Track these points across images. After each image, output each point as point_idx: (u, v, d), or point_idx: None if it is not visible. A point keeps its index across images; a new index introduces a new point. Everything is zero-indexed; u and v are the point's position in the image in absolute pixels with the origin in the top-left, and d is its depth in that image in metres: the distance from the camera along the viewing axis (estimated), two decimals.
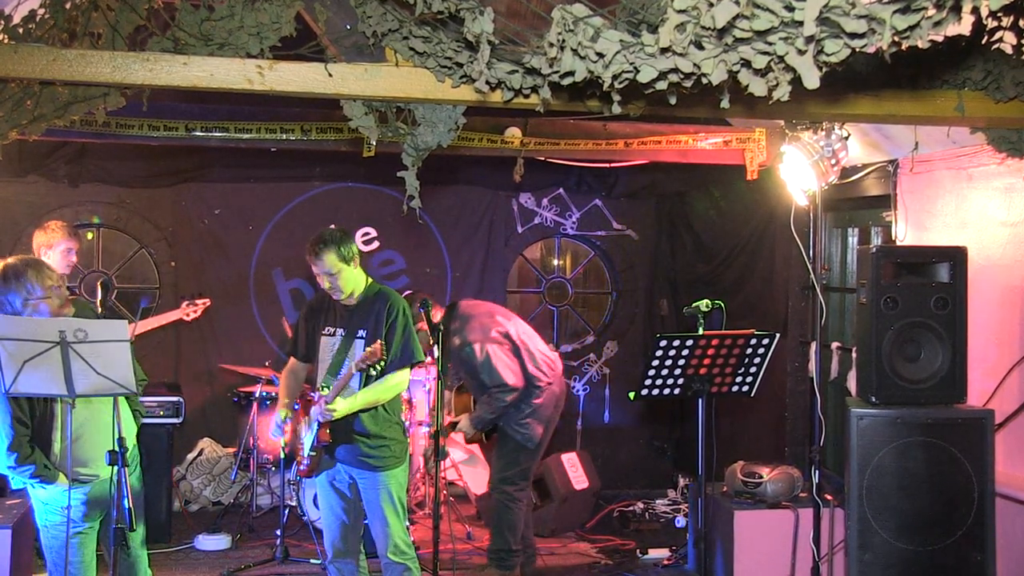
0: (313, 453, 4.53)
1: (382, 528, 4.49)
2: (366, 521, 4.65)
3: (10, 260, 3.97)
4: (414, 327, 4.58)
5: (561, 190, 8.42)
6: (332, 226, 7.85)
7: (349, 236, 4.51)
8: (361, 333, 4.49)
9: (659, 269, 8.68)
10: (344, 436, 4.46)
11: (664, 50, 2.35)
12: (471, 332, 5.59)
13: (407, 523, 4.62)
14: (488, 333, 5.64)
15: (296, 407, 4.80)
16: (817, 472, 5.14)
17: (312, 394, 4.56)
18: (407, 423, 5.85)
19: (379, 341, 4.25)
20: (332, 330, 4.59)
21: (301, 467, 4.65)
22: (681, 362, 4.41)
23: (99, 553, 4.21)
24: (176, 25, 3.60)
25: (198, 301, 6.76)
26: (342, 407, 4.34)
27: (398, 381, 4.47)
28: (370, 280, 4.61)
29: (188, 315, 6.72)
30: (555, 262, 9.05)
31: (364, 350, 4.34)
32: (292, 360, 4.82)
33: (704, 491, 4.57)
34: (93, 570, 4.14)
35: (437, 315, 5.47)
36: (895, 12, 2.04)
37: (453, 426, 6.00)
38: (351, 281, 4.49)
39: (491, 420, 5.74)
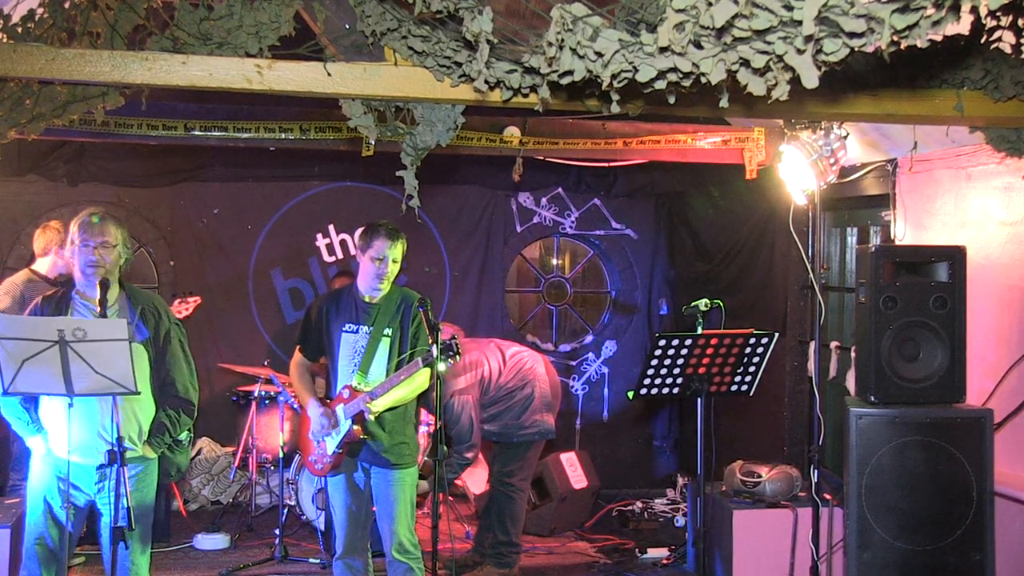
0: (340, 451, 4.51)
1: (390, 526, 4.49)
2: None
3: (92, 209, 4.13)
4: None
5: (560, 189, 8.42)
6: (330, 225, 7.91)
7: None
8: (387, 331, 4.50)
9: (658, 268, 8.68)
10: (365, 432, 4.46)
11: (663, 49, 2.35)
12: (448, 384, 5.62)
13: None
14: (460, 383, 5.69)
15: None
16: (816, 471, 5.14)
17: (343, 391, 4.53)
18: None
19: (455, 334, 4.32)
20: (355, 327, 4.56)
21: (318, 466, 4.63)
22: (680, 361, 4.41)
23: (93, 553, 4.18)
24: (175, 24, 3.60)
25: (189, 299, 6.79)
26: (380, 406, 4.38)
27: (423, 380, 4.49)
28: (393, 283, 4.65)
29: (180, 313, 6.74)
30: (554, 261, 9.05)
31: (394, 348, 4.42)
32: (299, 356, 4.77)
33: (703, 490, 4.57)
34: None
35: None
36: (894, 11, 2.04)
37: None
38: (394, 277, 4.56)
39: (453, 480, 5.84)
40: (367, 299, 4.57)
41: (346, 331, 4.57)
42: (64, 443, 3.87)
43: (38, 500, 3.99)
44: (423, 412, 6.13)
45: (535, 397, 5.86)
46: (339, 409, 4.50)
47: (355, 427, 4.42)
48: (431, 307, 4.44)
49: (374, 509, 4.66)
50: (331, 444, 4.53)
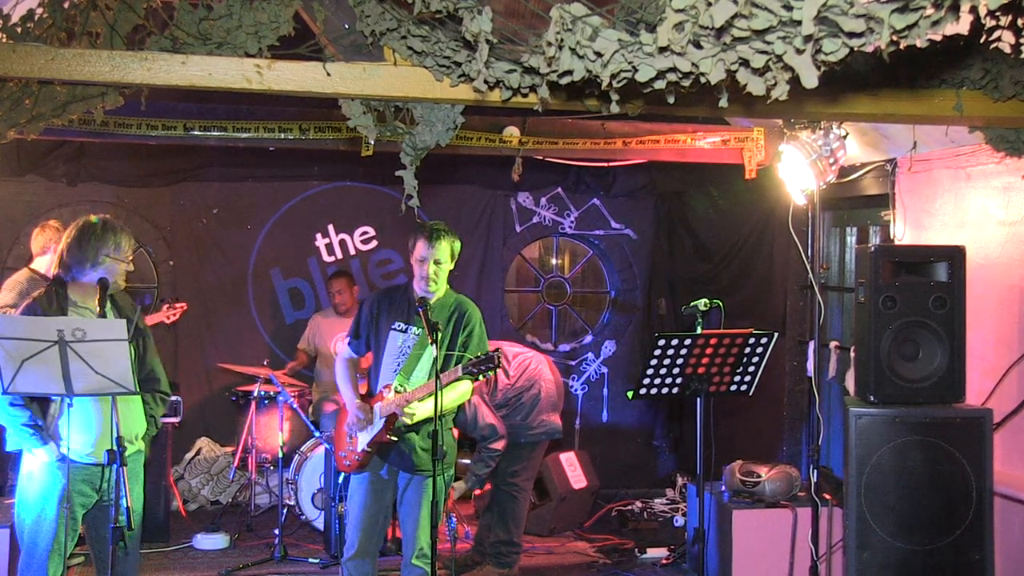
0: (369, 449, 4.48)
1: (414, 531, 4.48)
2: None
3: (106, 216, 4.17)
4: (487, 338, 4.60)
5: (559, 189, 8.42)
6: (329, 225, 7.90)
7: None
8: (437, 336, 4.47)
9: (657, 268, 8.67)
10: (397, 436, 4.45)
11: (662, 49, 2.35)
12: None
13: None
14: None
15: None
16: (815, 471, 5.14)
17: (383, 390, 4.50)
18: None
19: (500, 349, 4.27)
20: (404, 327, 4.53)
21: (346, 462, 4.60)
22: (680, 361, 4.40)
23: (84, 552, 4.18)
24: (174, 24, 3.60)
25: (176, 305, 6.87)
26: (418, 412, 4.35)
27: (465, 390, 4.45)
28: (449, 287, 4.60)
29: (168, 318, 6.84)
30: (553, 261, 9.05)
31: (439, 353, 4.37)
32: (347, 350, 4.72)
33: (702, 490, 4.57)
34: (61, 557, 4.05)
35: None
36: (893, 11, 2.04)
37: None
38: (445, 278, 4.51)
39: (487, 474, 5.83)
40: (420, 300, 4.53)
41: (395, 329, 4.54)
42: (78, 446, 3.90)
43: (51, 507, 3.96)
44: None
45: (541, 398, 5.88)
46: (376, 407, 4.48)
47: (384, 430, 4.40)
48: (429, 308, 4.41)
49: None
50: (362, 440, 4.52)
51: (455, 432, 5.00)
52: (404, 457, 4.50)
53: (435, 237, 4.44)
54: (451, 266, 4.53)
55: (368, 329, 4.64)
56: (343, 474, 5.61)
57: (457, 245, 4.53)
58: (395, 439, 4.43)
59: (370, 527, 4.58)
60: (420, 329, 4.48)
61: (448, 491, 5.86)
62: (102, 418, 3.97)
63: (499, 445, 5.67)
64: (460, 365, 4.28)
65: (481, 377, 4.36)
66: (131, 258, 4.17)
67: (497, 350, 4.28)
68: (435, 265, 4.44)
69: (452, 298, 4.56)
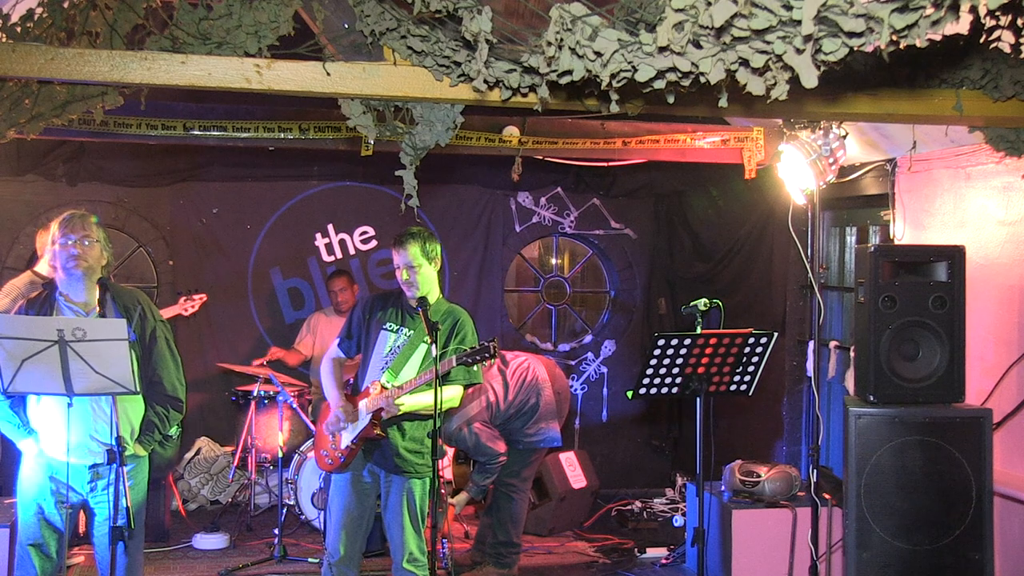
0: (354, 444, 4.47)
1: (400, 534, 4.45)
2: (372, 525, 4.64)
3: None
4: None
5: (559, 189, 8.42)
6: (329, 224, 7.90)
7: (435, 238, 4.58)
8: (427, 339, 4.42)
9: (657, 268, 8.68)
10: (383, 430, 4.43)
11: (662, 49, 2.35)
12: (457, 417, 5.65)
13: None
14: (467, 412, 5.70)
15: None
16: (815, 471, 5.14)
17: (370, 387, 4.48)
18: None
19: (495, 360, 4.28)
20: (395, 327, 4.54)
21: (328, 460, 4.59)
22: (679, 361, 4.40)
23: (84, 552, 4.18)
24: (174, 24, 3.60)
25: (195, 296, 6.84)
26: (407, 405, 4.34)
27: (452, 395, 4.44)
28: (441, 296, 4.61)
29: (187, 310, 6.80)
30: (553, 261, 9.05)
31: (429, 356, 4.35)
32: (335, 349, 4.72)
33: (702, 490, 4.57)
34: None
35: None
36: (893, 11, 2.04)
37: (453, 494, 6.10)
38: (428, 280, 4.49)
39: (488, 484, 5.85)
40: (414, 304, 4.52)
41: (386, 329, 4.55)
42: (58, 444, 3.88)
43: (30, 503, 3.98)
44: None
45: (540, 406, 5.88)
46: (361, 404, 4.47)
47: (371, 425, 4.39)
48: (429, 307, 4.41)
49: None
50: (346, 438, 4.51)
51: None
52: (387, 458, 4.47)
53: (401, 242, 4.46)
54: (431, 267, 4.50)
55: (360, 330, 4.64)
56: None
57: (431, 245, 4.51)
58: (382, 434, 4.41)
59: (354, 530, 4.55)
60: (411, 331, 4.49)
61: (448, 506, 5.90)
62: (87, 420, 3.94)
63: (501, 460, 5.71)
64: (455, 355, 4.28)
65: (476, 367, 4.35)
66: (86, 236, 3.93)
67: (492, 339, 4.28)
68: (408, 270, 4.44)
69: (445, 306, 4.57)
